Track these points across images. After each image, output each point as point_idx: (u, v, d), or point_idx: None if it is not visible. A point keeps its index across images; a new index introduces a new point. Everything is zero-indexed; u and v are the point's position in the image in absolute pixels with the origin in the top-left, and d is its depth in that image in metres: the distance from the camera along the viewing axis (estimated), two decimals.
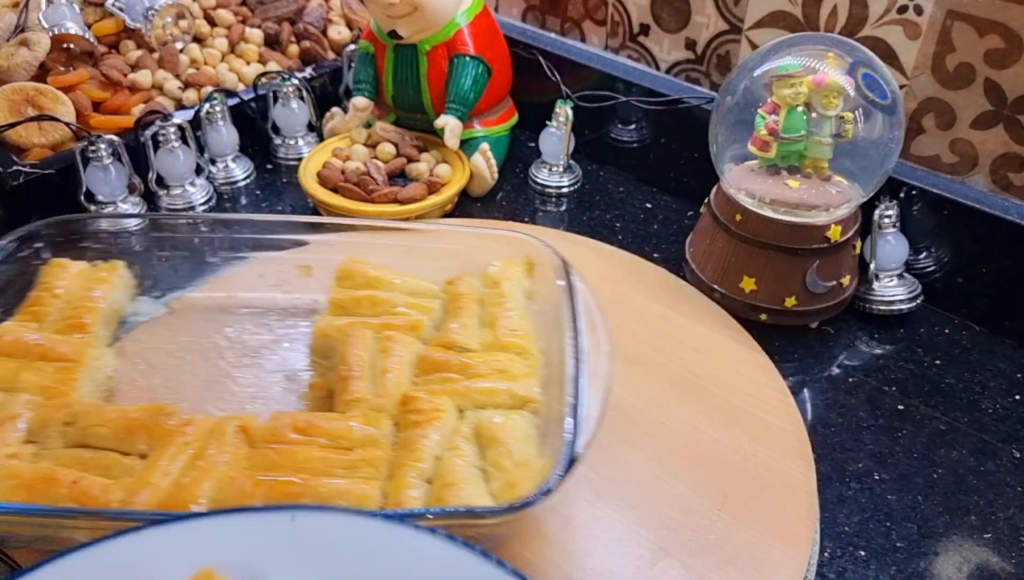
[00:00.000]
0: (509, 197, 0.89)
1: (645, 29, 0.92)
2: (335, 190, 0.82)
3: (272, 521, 0.40)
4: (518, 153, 0.95)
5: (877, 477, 0.59)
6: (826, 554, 0.54)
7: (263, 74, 0.94)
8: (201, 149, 0.88)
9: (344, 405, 0.56)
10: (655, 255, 0.80)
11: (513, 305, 0.62)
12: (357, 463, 0.51)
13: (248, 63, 0.98)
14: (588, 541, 0.52)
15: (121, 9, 0.94)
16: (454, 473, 0.51)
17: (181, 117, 0.85)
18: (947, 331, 0.72)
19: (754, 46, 0.84)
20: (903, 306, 0.71)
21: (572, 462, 0.46)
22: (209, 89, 0.90)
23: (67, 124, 0.82)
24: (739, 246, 0.70)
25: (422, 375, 0.58)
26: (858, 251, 0.72)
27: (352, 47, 0.98)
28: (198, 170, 0.86)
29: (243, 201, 0.88)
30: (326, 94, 0.98)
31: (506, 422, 0.54)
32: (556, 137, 0.89)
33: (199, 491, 0.48)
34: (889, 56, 0.74)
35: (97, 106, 0.89)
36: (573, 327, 0.55)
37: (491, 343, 0.60)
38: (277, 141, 0.94)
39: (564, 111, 0.87)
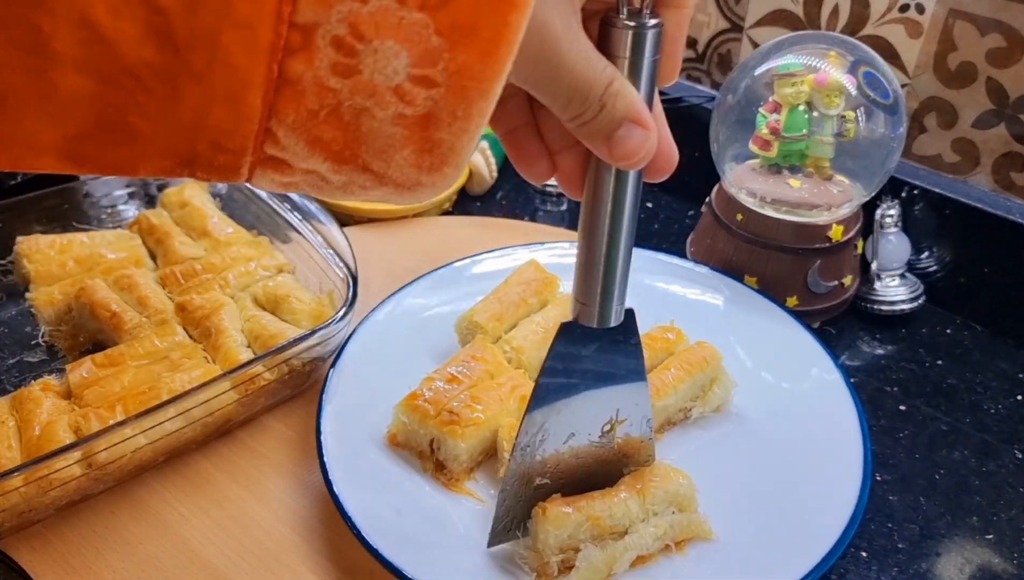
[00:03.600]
0: (509, 196, 0.89)
1: None
2: None
3: None
4: None
5: (879, 478, 0.58)
6: None
7: None
8: None
9: (128, 335, 0.59)
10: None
11: (211, 212, 0.71)
12: (180, 362, 0.57)
13: None
14: None
15: None
16: (268, 329, 0.59)
17: None
18: (949, 331, 0.72)
19: (755, 45, 0.83)
20: (905, 306, 0.71)
21: (355, 281, 0.59)
22: None
23: None
24: (740, 245, 0.69)
25: (175, 289, 0.64)
26: (860, 251, 0.71)
27: None
28: None
29: None
30: None
31: (278, 282, 0.65)
32: None
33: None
34: (891, 55, 0.74)
35: None
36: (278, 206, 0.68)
37: (213, 246, 0.68)
38: None
39: None
